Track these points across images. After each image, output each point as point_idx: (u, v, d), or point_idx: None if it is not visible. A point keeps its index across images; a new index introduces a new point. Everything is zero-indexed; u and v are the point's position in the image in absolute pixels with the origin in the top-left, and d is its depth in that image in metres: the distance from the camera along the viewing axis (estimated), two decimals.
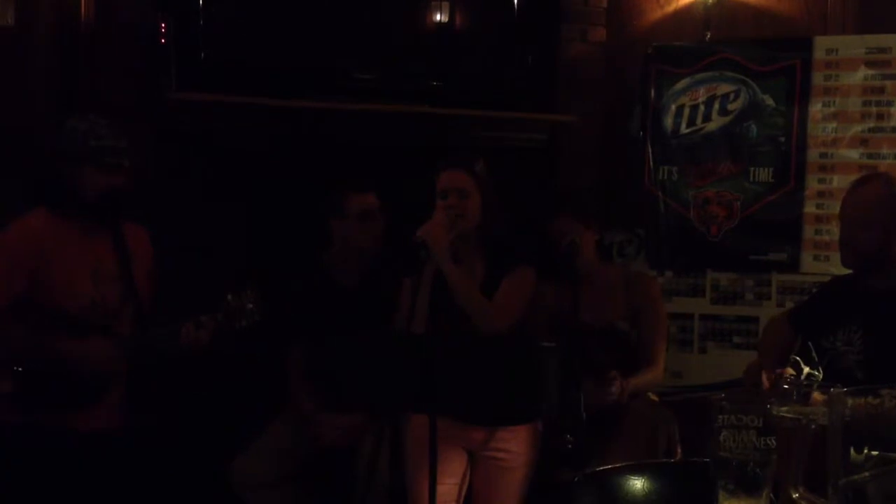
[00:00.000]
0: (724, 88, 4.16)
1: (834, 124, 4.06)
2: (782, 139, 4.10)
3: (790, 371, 2.20)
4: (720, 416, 1.65)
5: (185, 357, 2.92)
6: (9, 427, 2.77)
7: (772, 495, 1.67)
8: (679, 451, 3.27)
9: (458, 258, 3.01)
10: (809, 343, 2.40)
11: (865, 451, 1.64)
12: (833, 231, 3.75)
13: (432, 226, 2.95)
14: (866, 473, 1.61)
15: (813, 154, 4.08)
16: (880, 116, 4.01)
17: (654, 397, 3.46)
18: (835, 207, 3.50)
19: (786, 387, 2.11)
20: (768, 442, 1.63)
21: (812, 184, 4.08)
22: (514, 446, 3.04)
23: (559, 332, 3.36)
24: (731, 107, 4.16)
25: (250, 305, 2.90)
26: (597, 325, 3.33)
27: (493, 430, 3.03)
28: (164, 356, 2.92)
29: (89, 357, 2.80)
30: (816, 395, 2.06)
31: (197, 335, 2.87)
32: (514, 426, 3.04)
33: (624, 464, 2.17)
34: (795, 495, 1.78)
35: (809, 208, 4.08)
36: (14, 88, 3.63)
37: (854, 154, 4.03)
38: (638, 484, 2.05)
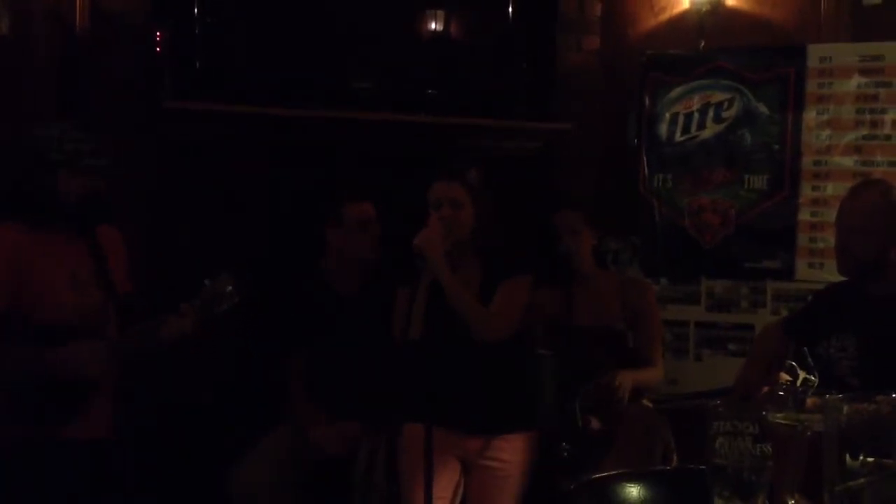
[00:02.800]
0: (719, 96, 4.17)
1: (828, 132, 4.06)
2: (776, 147, 4.11)
3: (785, 377, 2.20)
4: (715, 423, 1.65)
5: (171, 349, 2.87)
6: (3, 442, 2.75)
7: (767, 502, 1.67)
8: (675, 458, 3.28)
9: (455, 266, 3.01)
10: (805, 348, 2.40)
11: (861, 457, 1.64)
12: (828, 238, 3.75)
13: (427, 234, 2.96)
14: (862, 480, 1.61)
15: (807, 161, 4.08)
16: (874, 124, 4.01)
17: (649, 405, 3.47)
18: (829, 215, 3.51)
19: (781, 393, 2.11)
20: (764, 449, 1.63)
21: (806, 191, 4.08)
22: (510, 455, 3.04)
23: (555, 337, 3.37)
24: (725, 115, 4.16)
25: (229, 288, 2.85)
26: (593, 326, 3.37)
27: (489, 439, 3.03)
28: (151, 351, 2.88)
29: (80, 360, 2.76)
30: (810, 401, 2.07)
31: (180, 324, 2.83)
32: (510, 434, 3.04)
33: (620, 471, 2.17)
34: (791, 502, 1.79)
35: (804, 216, 4.08)
36: (9, 99, 3.62)
37: (848, 161, 4.03)
38: (634, 491, 2.06)
